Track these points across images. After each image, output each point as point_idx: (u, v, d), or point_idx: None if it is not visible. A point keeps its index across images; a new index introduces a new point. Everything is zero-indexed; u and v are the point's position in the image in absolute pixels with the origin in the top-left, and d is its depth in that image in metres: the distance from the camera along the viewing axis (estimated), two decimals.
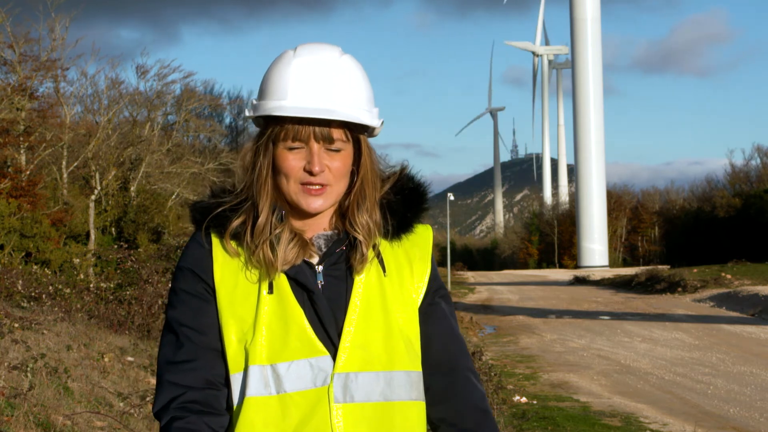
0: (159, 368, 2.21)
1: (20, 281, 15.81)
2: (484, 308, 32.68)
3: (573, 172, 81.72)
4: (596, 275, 52.19)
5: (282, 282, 2.18)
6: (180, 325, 2.20)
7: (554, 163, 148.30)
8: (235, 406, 2.17)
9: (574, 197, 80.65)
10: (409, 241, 2.29)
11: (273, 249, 2.18)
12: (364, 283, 2.21)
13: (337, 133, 2.16)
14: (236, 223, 2.20)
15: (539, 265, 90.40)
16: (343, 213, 2.25)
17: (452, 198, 51.72)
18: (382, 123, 2.25)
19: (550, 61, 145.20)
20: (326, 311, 2.17)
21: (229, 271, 2.20)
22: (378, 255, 2.24)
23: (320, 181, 2.16)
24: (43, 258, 25.04)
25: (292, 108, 2.13)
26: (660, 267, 50.70)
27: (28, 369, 8.17)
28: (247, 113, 2.23)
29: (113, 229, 32.65)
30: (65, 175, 31.05)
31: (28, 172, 27.46)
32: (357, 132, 2.21)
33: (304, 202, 2.17)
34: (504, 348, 20.08)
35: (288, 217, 2.22)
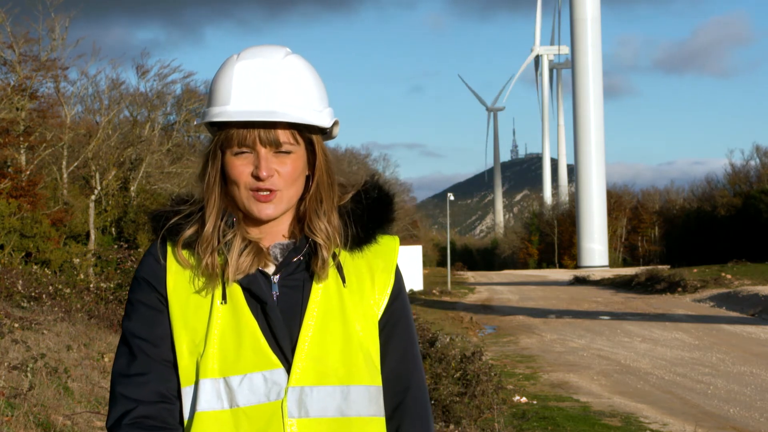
0: (112, 381, 2.16)
1: (20, 281, 15.81)
2: (484, 308, 32.69)
3: (573, 172, 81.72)
4: (596, 275, 52.17)
5: (236, 292, 2.12)
6: (134, 337, 2.14)
7: (554, 163, 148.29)
8: (186, 421, 2.11)
9: (574, 197, 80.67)
10: (371, 251, 2.20)
11: (224, 258, 2.12)
12: (322, 293, 2.13)
13: (284, 136, 2.09)
14: (188, 232, 2.15)
15: (539, 265, 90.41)
16: (300, 218, 2.18)
17: (452, 198, 51.68)
18: (336, 123, 2.18)
19: (550, 61, 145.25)
20: (279, 323, 2.10)
21: (182, 280, 2.15)
22: (337, 265, 2.16)
23: (269, 187, 2.09)
24: (43, 258, 25.04)
25: (235, 112, 2.08)
26: (660, 267, 50.70)
27: (28, 369, 8.17)
28: (197, 122, 2.17)
29: (113, 229, 32.67)
30: (65, 175, 31.05)
31: (28, 172, 27.47)
32: (308, 133, 2.14)
33: (255, 209, 2.11)
34: (504, 348, 20.08)
35: (242, 225, 2.16)
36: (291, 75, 2.12)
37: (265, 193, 2.10)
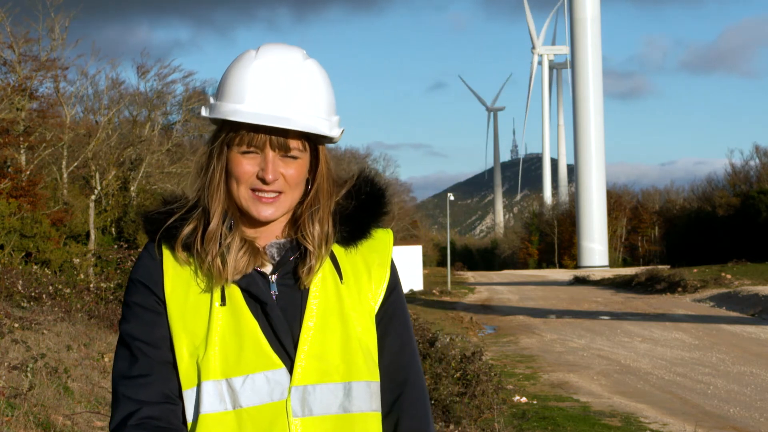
0: (114, 383, 2.14)
1: (20, 281, 15.82)
2: (484, 308, 32.70)
3: (573, 172, 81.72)
4: (596, 275, 52.18)
5: (235, 293, 2.10)
6: (133, 339, 2.12)
7: (554, 163, 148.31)
8: (189, 424, 2.09)
9: (574, 197, 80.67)
10: (366, 246, 2.21)
11: (223, 258, 2.10)
12: (320, 291, 2.13)
13: (294, 143, 2.09)
14: (186, 230, 2.12)
15: (539, 265, 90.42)
16: (296, 220, 2.17)
17: (452, 198, 51.70)
18: (342, 131, 2.17)
19: (550, 61, 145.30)
20: (280, 322, 2.10)
21: (180, 283, 2.13)
22: (334, 262, 2.16)
23: (273, 189, 2.09)
24: (43, 258, 25.04)
25: (249, 114, 2.05)
26: (660, 267, 50.70)
27: (28, 369, 8.16)
28: (203, 113, 2.14)
29: (113, 229, 32.67)
30: (65, 175, 31.06)
31: (28, 172, 27.48)
32: (316, 142, 2.14)
33: (255, 209, 2.10)
34: (504, 348, 20.09)
35: (239, 225, 2.14)
36: (308, 81, 2.10)
37: (268, 195, 2.09)
